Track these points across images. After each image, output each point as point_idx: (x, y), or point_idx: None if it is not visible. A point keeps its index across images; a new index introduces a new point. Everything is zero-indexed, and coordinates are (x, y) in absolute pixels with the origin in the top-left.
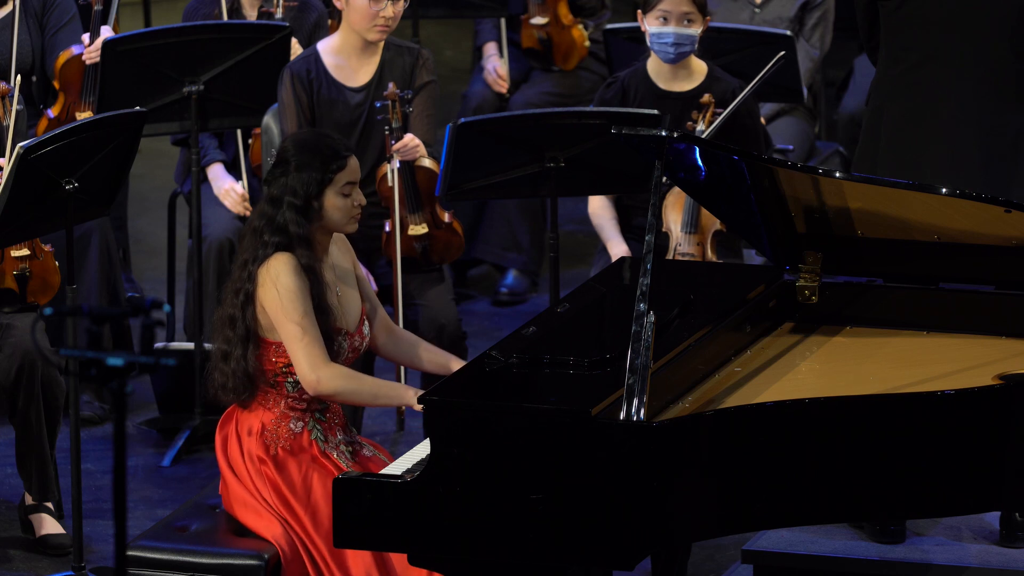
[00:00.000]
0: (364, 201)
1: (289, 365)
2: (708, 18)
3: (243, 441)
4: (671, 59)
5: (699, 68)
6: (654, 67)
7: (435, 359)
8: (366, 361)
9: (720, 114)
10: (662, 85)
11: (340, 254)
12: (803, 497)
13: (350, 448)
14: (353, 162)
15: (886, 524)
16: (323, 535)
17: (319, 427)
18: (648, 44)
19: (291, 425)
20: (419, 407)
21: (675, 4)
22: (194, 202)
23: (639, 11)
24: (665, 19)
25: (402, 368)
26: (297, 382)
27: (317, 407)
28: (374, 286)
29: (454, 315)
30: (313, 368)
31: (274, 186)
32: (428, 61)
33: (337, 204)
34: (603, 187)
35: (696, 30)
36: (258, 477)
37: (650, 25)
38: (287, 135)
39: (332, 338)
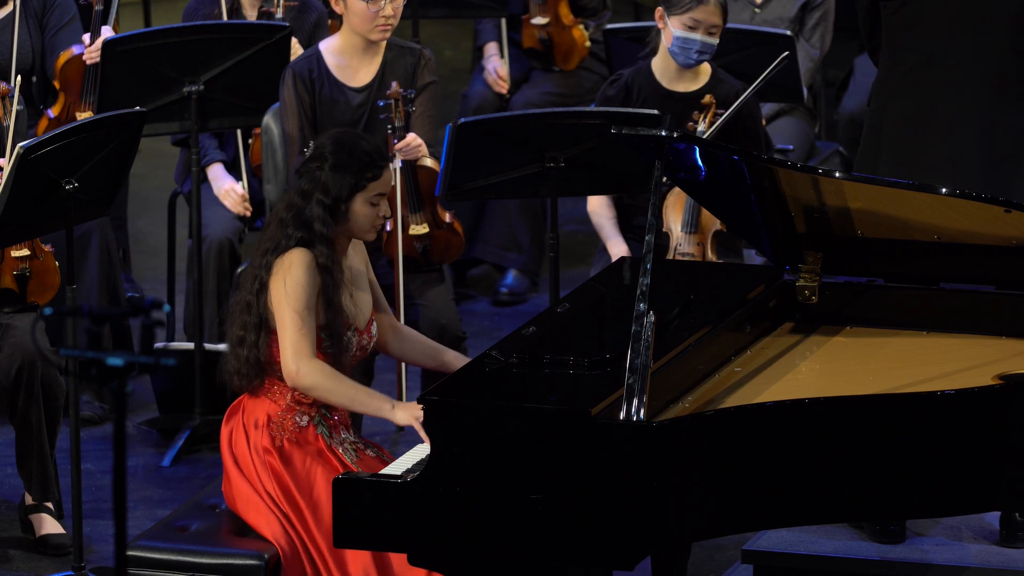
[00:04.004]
0: (389, 213)
1: None
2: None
3: (250, 434)
4: (690, 64)
5: (704, 69)
6: (659, 66)
7: (438, 357)
8: (366, 359)
9: (721, 115)
10: (666, 84)
11: (354, 255)
12: (803, 497)
13: (355, 447)
14: (387, 173)
15: (886, 524)
16: (323, 531)
17: (324, 423)
18: (667, 44)
19: (296, 418)
20: (399, 422)
21: (708, 15)
22: (194, 202)
23: (659, 8)
24: (694, 27)
25: (403, 367)
26: None
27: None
28: None
29: (454, 315)
30: (296, 358)
31: (306, 179)
32: (430, 62)
33: (363, 212)
34: (603, 187)
35: (717, 40)
36: (263, 469)
37: (675, 28)
38: (326, 133)
39: (341, 334)
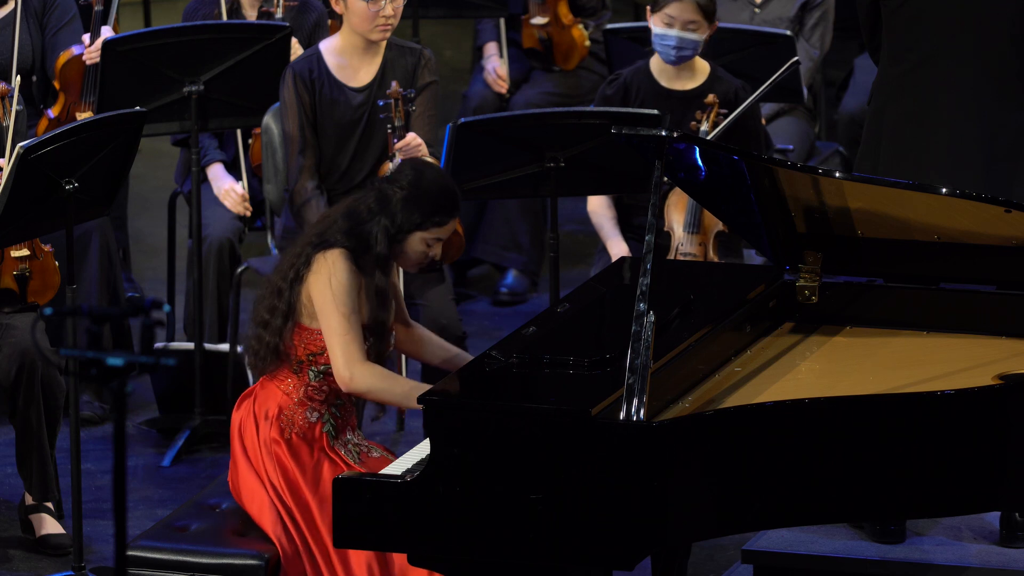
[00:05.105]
0: (439, 256)
1: (316, 354)
2: (715, 24)
3: (260, 426)
4: (672, 61)
5: (702, 67)
6: (657, 65)
7: (448, 357)
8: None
9: (724, 114)
10: (664, 83)
11: None
12: (803, 497)
13: (358, 448)
14: (452, 224)
15: (886, 524)
16: (328, 525)
17: (332, 421)
18: (652, 43)
19: (307, 413)
20: None
21: (681, 11)
22: (194, 202)
23: (648, 8)
24: (670, 23)
25: (403, 365)
26: (321, 372)
27: (335, 401)
28: None
29: (454, 315)
30: (348, 364)
31: (377, 198)
32: (431, 61)
33: (417, 249)
34: (603, 187)
35: (700, 36)
36: (270, 460)
37: (655, 25)
38: (412, 161)
39: (386, 335)
